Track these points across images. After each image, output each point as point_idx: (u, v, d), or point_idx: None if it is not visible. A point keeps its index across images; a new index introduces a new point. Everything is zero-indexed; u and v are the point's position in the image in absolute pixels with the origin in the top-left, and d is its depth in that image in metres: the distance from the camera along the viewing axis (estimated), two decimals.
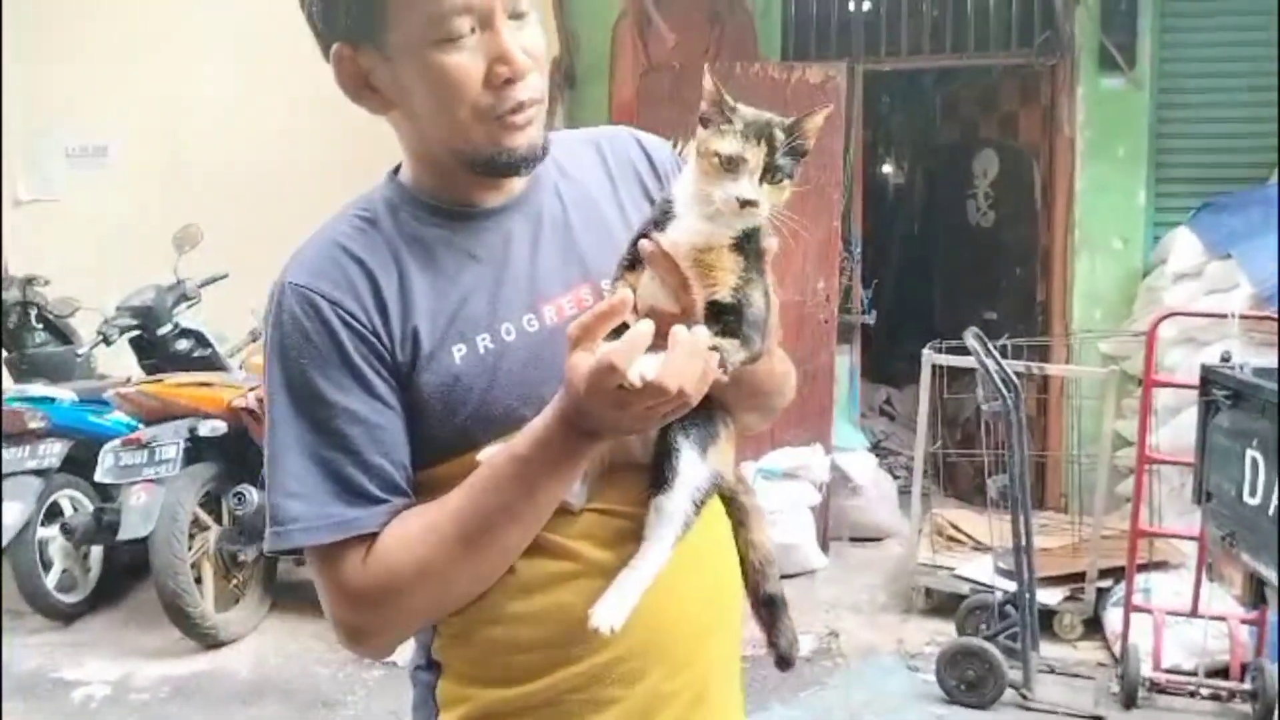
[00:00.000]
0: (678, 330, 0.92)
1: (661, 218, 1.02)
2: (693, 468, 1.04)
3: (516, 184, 1.11)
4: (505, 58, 1.00)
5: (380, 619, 1.04)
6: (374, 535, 1.02)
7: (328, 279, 1.03)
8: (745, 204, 0.97)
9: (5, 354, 5.02)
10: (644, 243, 1.00)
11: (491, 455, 1.00)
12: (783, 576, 4.31)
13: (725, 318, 0.98)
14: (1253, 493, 2.48)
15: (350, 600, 1.03)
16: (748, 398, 1.11)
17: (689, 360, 0.91)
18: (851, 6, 5.55)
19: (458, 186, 1.09)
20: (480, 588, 1.04)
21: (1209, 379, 2.78)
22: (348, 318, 1.02)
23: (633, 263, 1.02)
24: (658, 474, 1.04)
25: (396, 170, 1.14)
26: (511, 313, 1.07)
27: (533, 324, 1.07)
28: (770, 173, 0.98)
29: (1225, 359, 2.94)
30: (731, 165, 0.97)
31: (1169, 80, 5.16)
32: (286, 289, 1.04)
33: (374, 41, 1.02)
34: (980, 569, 4.08)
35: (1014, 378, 3.61)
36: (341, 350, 1.02)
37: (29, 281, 4.99)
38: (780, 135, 0.99)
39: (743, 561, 1.19)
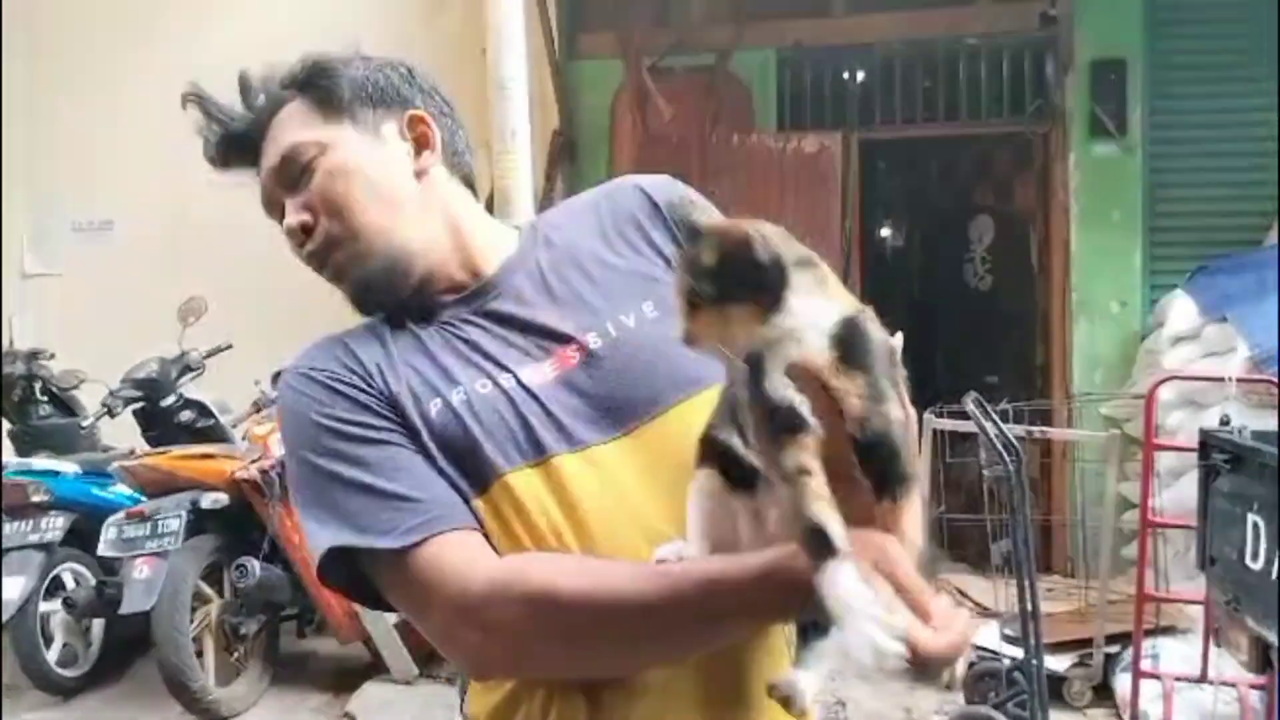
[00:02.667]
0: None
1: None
2: None
3: (487, 268, 1.17)
4: (286, 229, 1.14)
5: (516, 630, 0.97)
6: (475, 535, 1.02)
7: (319, 360, 1.12)
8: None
9: (9, 426, 5.04)
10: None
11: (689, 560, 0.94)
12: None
13: (878, 454, 0.83)
14: (1255, 557, 2.48)
15: (474, 597, 0.98)
16: None
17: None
18: (845, 76, 5.65)
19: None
20: (605, 672, 1.01)
21: (1208, 443, 2.79)
22: (336, 376, 1.10)
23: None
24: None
25: None
26: (485, 372, 1.10)
27: (508, 381, 1.09)
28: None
29: (1224, 422, 2.96)
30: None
31: (1161, 145, 5.24)
32: (283, 378, 1.14)
33: None
34: (987, 635, 4.04)
35: (1015, 442, 3.61)
36: (344, 397, 1.08)
37: (34, 355, 5.03)
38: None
39: None
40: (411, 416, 1.07)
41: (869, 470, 0.84)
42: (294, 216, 1.12)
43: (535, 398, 1.07)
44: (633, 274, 1.16)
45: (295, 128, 1.13)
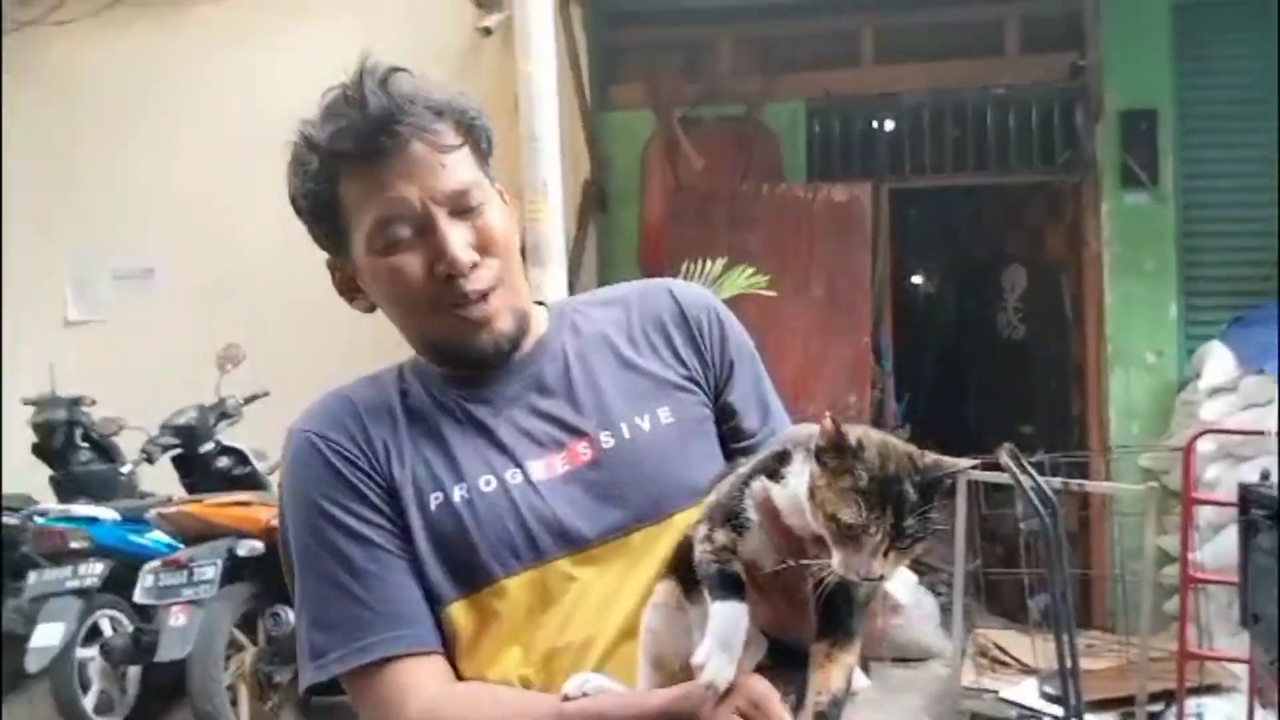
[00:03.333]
0: None
1: (776, 466, 0.93)
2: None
3: (491, 343, 1.13)
4: (445, 258, 1.07)
5: None
6: (423, 662, 1.06)
7: (325, 423, 1.13)
8: (868, 579, 0.85)
9: (51, 472, 5.10)
10: (757, 487, 0.92)
11: (594, 695, 0.98)
12: None
13: (837, 605, 0.89)
14: None
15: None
16: None
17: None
18: (875, 126, 5.69)
19: (440, 361, 1.17)
20: None
21: (1248, 498, 2.77)
22: (341, 449, 1.10)
23: (731, 511, 0.95)
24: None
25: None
26: (494, 467, 1.10)
27: (515, 477, 1.10)
28: (899, 538, 0.84)
29: (1264, 477, 2.93)
30: (853, 534, 0.84)
31: (1193, 194, 5.23)
32: (290, 437, 1.14)
33: (344, 254, 1.14)
34: (1026, 692, 3.98)
35: (1051, 495, 3.58)
36: (343, 478, 1.09)
37: (76, 401, 5.10)
38: (912, 492, 0.84)
39: None
40: (409, 509, 1.09)
41: (819, 611, 0.90)
42: (464, 250, 1.07)
43: (540, 495, 1.09)
44: (653, 377, 1.17)
45: (464, 164, 1.10)
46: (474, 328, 1.10)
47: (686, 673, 0.92)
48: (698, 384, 1.19)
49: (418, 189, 1.07)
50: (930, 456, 0.87)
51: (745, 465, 0.97)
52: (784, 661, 0.93)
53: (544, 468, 1.10)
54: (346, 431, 1.11)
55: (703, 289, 1.29)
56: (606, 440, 1.12)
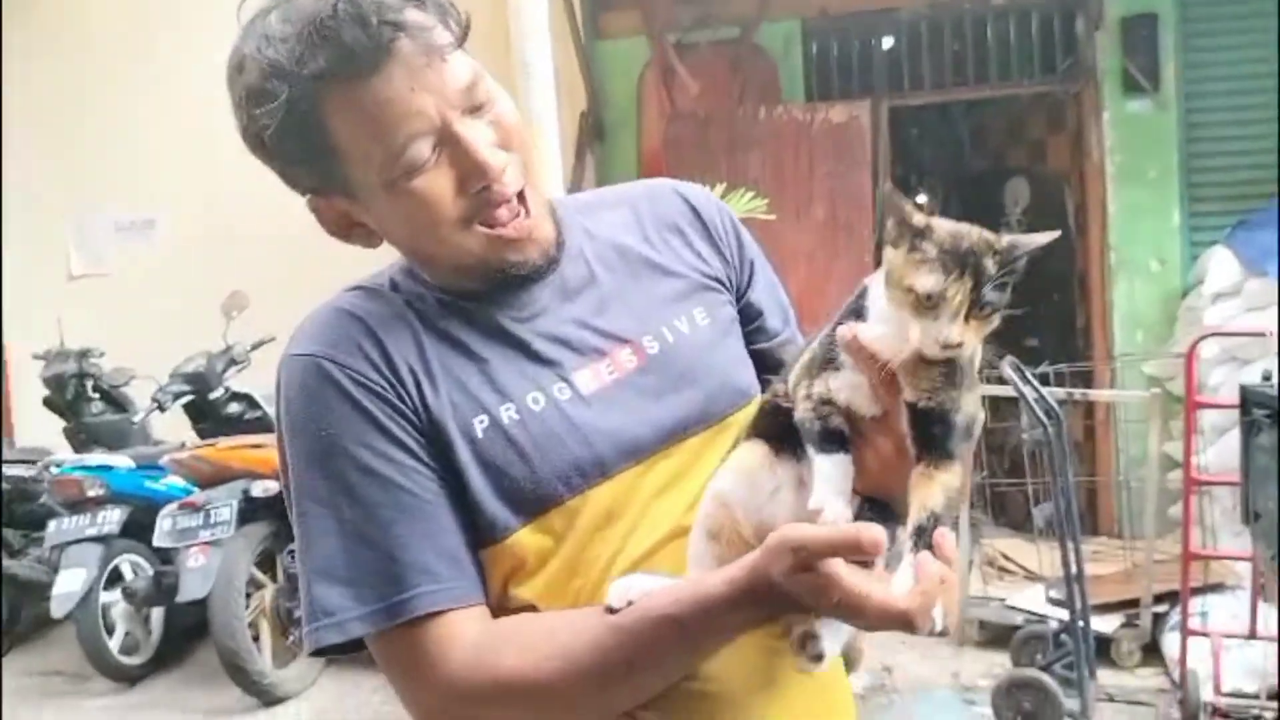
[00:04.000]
0: (938, 570, 0.82)
1: (858, 305, 0.90)
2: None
3: (535, 256, 1.03)
4: (477, 169, 0.95)
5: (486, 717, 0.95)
6: (461, 615, 0.94)
7: (334, 345, 0.97)
8: (948, 347, 0.83)
9: (64, 424, 5.17)
10: (843, 330, 0.89)
11: (643, 598, 0.91)
12: None
13: (932, 428, 0.86)
14: None
15: (451, 690, 0.93)
16: None
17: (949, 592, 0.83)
18: (872, 44, 5.61)
19: (467, 283, 1.03)
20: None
21: (1249, 399, 2.78)
22: (362, 378, 0.95)
23: (826, 359, 0.91)
24: None
25: (403, 267, 1.08)
26: (539, 382, 1.00)
27: (564, 392, 1.00)
28: (977, 307, 0.83)
29: (1266, 378, 2.94)
30: (931, 303, 0.82)
31: (1195, 100, 5.16)
32: (289, 362, 0.98)
33: (341, 191, 0.98)
34: (1033, 599, 4.05)
35: (1055, 405, 3.60)
36: (365, 413, 0.95)
37: (84, 354, 5.15)
38: (990, 265, 0.83)
39: None
40: (454, 441, 0.96)
41: (916, 438, 0.87)
42: (493, 153, 0.95)
43: (594, 408, 1.00)
44: (680, 278, 1.11)
45: (461, 56, 0.96)
46: (516, 247, 0.99)
47: (760, 541, 0.86)
48: (721, 283, 1.14)
49: (430, 98, 0.92)
50: (1008, 238, 0.85)
51: (831, 320, 0.93)
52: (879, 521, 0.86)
53: (591, 377, 1.02)
54: (364, 355, 0.96)
55: (706, 190, 1.20)
56: (651, 345, 1.05)
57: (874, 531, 0.80)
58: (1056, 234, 0.89)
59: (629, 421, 1.01)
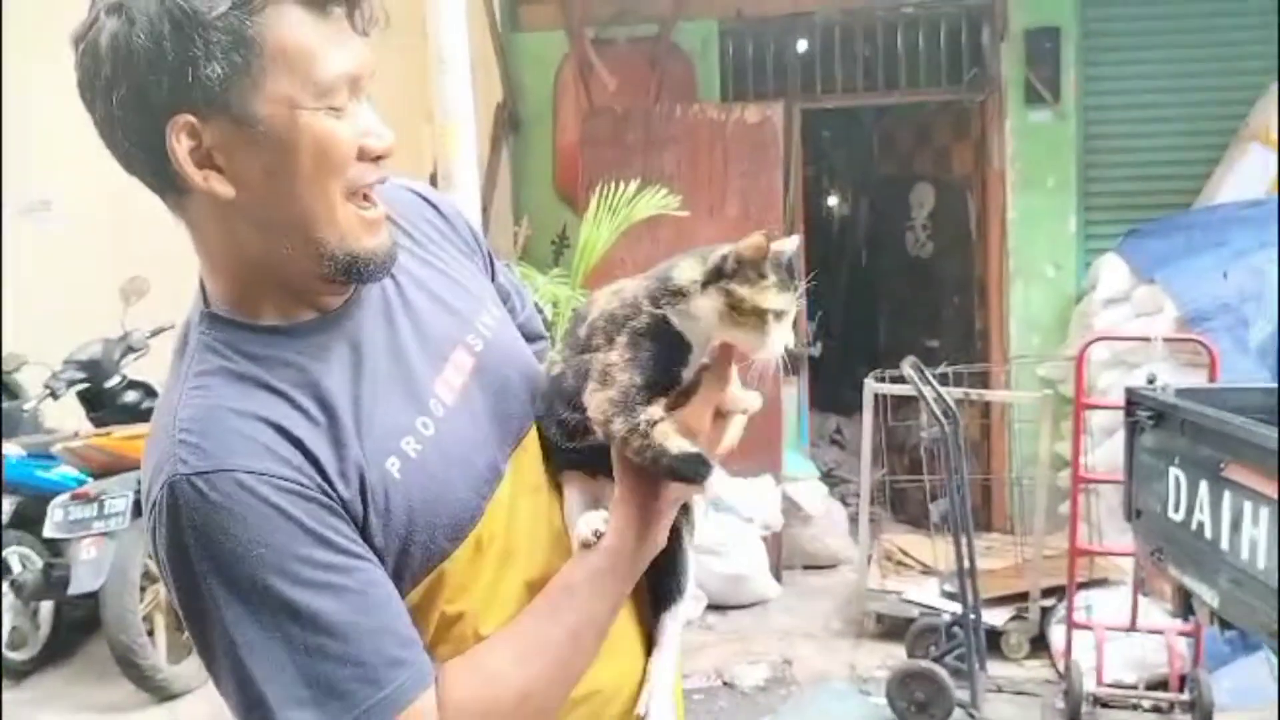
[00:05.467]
0: (747, 398, 1.03)
1: (673, 348, 1.00)
2: (692, 566, 1.16)
3: (384, 252, 0.99)
4: (378, 131, 0.94)
5: None
6: (430, 690, 0.92)
7: (238, 451, 0.87)
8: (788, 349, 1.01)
9: None
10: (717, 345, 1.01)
11: (559, 574, 1.02)
12: (737, 606, 4.42)
13: None
14: (1176, 508, 2.59)
15: None
16: None
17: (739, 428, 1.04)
18: (787, 46, 5.70)
19: (298, 297, 0.97)
20: (563, 700, 1.01)
21: (1134, 401, 2.90)
22: (281, 483, 0.87)
23: (655, 389, 1.01)
24: (666, 586, 1.14)
25: (205, 313, 0.97)
26: (415, 406, 0.98)
27: (438, 407, 1.00)
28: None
29: (1150, 381, 3.07)
30: (780, 319, 0.98)
31: (1094, 111, 5.36)
32: (188, 484, 0.86)
33: (234, 111, 0.87)
34: (928, 592, 4.17)
35: (952, 405, 3.71)
36: (295, 521, 0.87)
37: None
38: (790, 279, 1.00)
39: None
40: (373, 497, 0.92)
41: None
42: (380, 134, 0.94)
43: (465, 414, 1.02)
44: (458, 274, 1.12)
45: (359, 39, 0.94)
46: (372, 229, 0.95)
47: None
48: (482, 275, 1.18)
49: (354, 57, 0.91)
50: (773, 247, 0.99)
51: (614, 350, 1.01)
52: None
53: (447, 387, 1.01)
54: (273, 454, 0.88)
55: (435, 191, 1.21)
56: (475, 343, 1.07)
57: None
58: (796, 239, 1.05)
59: (490, 421, 1.04)
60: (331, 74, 0.89)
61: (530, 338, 1.21)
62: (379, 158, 0.94)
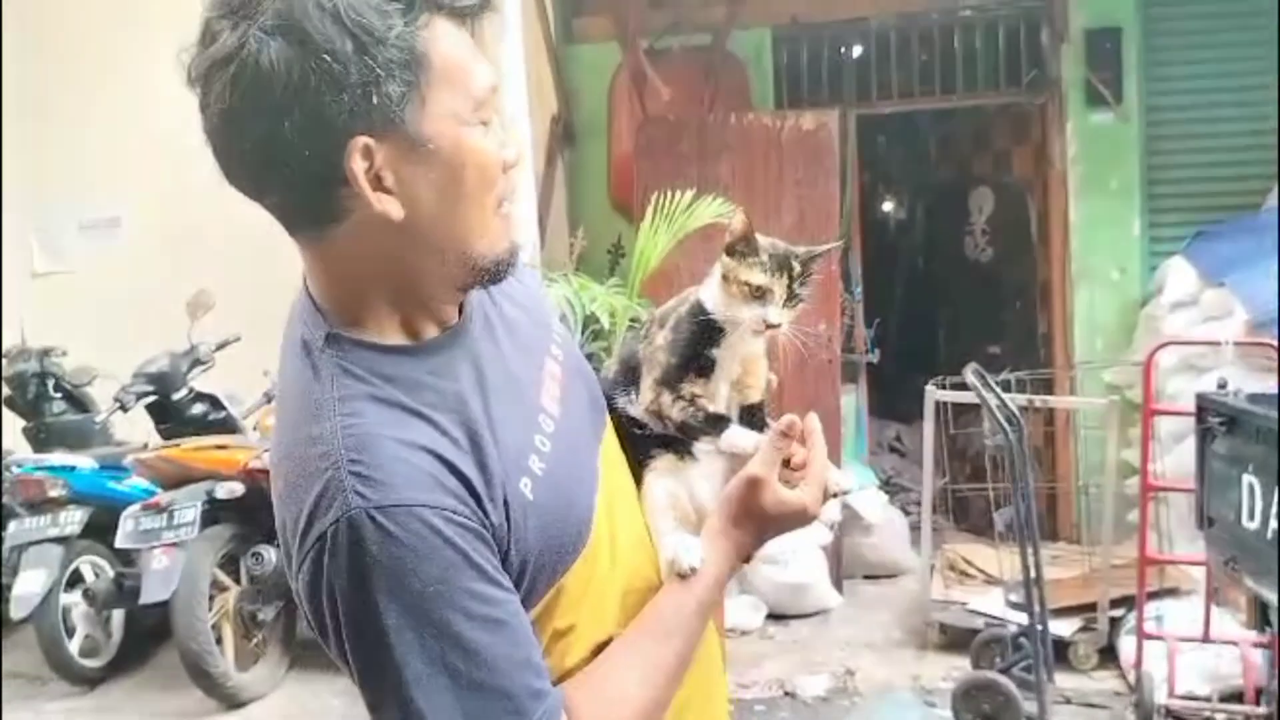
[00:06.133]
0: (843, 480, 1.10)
1: (702, 327, 1.11)
2: None
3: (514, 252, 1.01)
4: (513, 144, 0.96)
5: None
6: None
7: (415, 485, 0.87)
8: (770, 326, 1.10)
9: (24, 424, 5.11)
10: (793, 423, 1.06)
11: (659, 598, 1.03)
12: (797, 616, 4.38)
13: (755, 416, 1.13)
14: (1251, 517, 2.53)
15: None
16: None
17: None
18: (841, 52, 5.66)
19: (426, 313, 0.97)
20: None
21: (1205, 406, 2.84)
22: (455, 518, 0.87)
23: (690, 368, 1.11)
24: None
25: (331, 335, 0.94)
26: (531, 423, 0.99)
27: (547, 423, 1.01)
28: (790, 299, 1.11)
29: (1221, 386, 3.00)
30: (760, 294, 1.09)
31: (1157, 112, 5.26)
32: (368, 518, 0.85)
33: (408, 130, 0.87)
34: (993, 603, 4.10)
35: (1016, 412, 3.65)
36: (466, 557, 0.87)
37: (46, 353, 5.09)
38: (797, 267, 1.11)
39: None
40: (515, 520, 0.92)
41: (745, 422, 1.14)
42: (512, 144, 0.97)
43: (566, 424, 1.03)
44: (528, 281, 1.15)
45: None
46: (508, 230, 0.97)
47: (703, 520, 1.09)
48: None
49: (489, 68, 0.93)
50: (803, 248, 1.13)
51: (659, 336, 1.14)
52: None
53: (549, 398, 1.03)
54: (447, 489, 0.88)
55: None
56: (557, 353, 1.08)
57: (787, 418, 1.03)
58: (839, 244, 1.17)
59: (585, 431, 1.06)
60: (483, 86, 0.91)
61: None
62: (506, 170, 0.96)
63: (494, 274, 0.96)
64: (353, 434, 0.88)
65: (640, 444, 1.13)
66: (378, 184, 0.88)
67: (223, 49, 0.84)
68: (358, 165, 0.86)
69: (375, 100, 0.85)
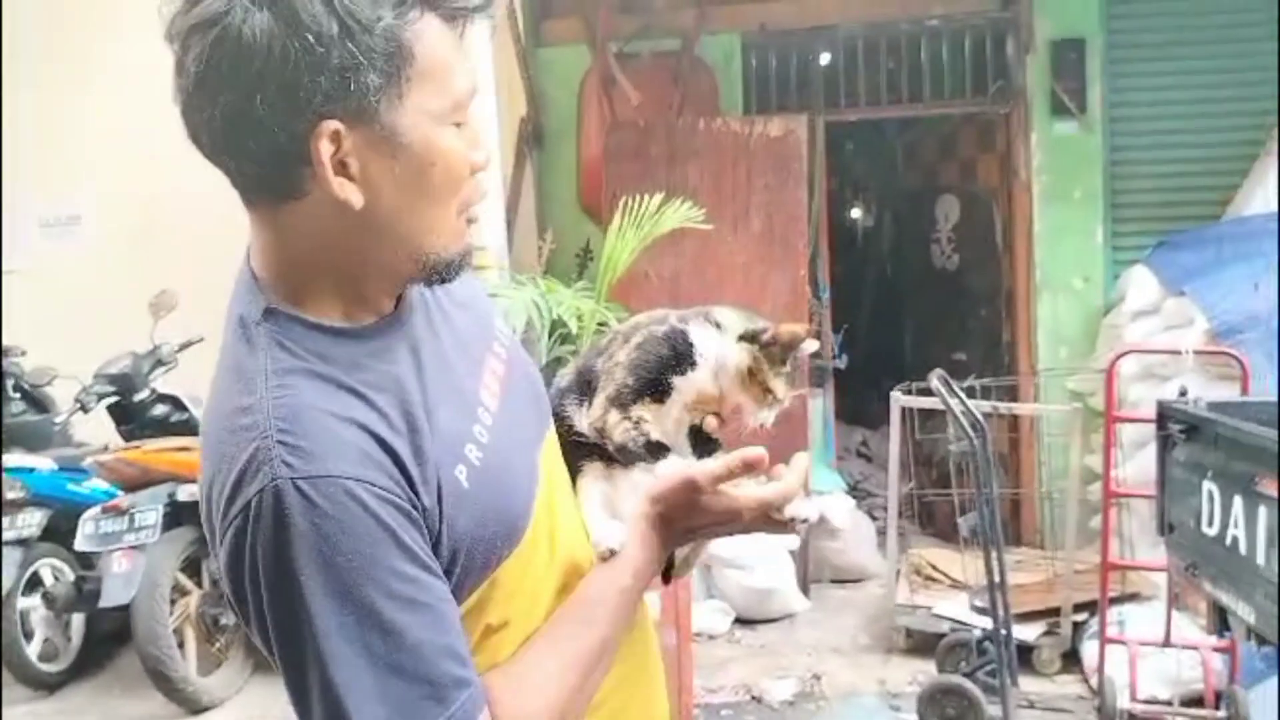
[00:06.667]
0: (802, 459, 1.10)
1: (680, 359, 1.11)
2: None
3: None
4: (483, 147, 0.95)
5: None
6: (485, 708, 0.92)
7: (344, 457, 0.85)
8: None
9: None
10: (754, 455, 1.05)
11: (583, 586, 1.03)
12: (764, 621, 4.39)
13: (703, 435, 1.13)
14: (1210, 523, 2.56)
15: None
16: None
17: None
18: (810, 59, 5.69)
19: (365, 301, 0.96)
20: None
21: (1165, 414, 2.87)
22: (383, 493, 0.86)
23: (646, 391, 1.10)
24: None
25: (269, 309, 0.93)
26: (470, 414, 0.98)
27: (485, 415, 1.00)
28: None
29: (1182, 394, 3.04)
30: (772, 402, 1.12)
31: (1121, 123, 5.33)
32: (295, 488, 0.83)
33: (381, 121, 0.87)
34: (958, 607, 4.13)
35: (981, 418, 3.68)
36: (391, 534, 0.85)
37: (5, 352, 5.01)
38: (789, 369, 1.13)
39: None
40: (447, 506, 0.91)
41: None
42: (483, 148, 0.95)
43: (504, 417, 1.02)
44: (470, 282, 1.14)
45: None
46: (466, 233, 0.97)
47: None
48: None
49: (472, 70, 0.93)
50: (806, 346, 1.12)
51: (620, 352, 1.13)
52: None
53: (488, 392, 1.02)
54: (377, 464, 0.87)
55: None
56: (499, 350, 1.08)
57: (754, 451, 1.01)
58: (815, 344, 1.15)
59: (525, 424, 1.06)
60: (463, 89, 0.91)
61: None
62: (475, 172, 0.96)
63: (444, 274, 0.96)
64: (283, 405, 0.87)
65: (577, 450, 1.13)
66: (342, 169, 0.87)
67: (207, 10, 0.83)
68: (324, 149, 0.85)
69: (352, 87, 0.84)
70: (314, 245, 0.92)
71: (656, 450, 1.09)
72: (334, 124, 0.85)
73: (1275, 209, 4.70)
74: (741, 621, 4.60)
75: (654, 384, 1.10)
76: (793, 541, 4.67)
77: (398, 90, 0.86)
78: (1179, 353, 3.91)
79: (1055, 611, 4.05)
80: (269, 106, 0.83)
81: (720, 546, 4.09)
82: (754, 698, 3.95)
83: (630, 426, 1.09)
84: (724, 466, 1.02)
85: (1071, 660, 4.00)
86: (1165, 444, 2.90)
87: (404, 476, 0.88)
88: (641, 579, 1.04)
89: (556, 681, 0.96)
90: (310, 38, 0.82)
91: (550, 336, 3.67)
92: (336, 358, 0.91)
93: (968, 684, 3.48)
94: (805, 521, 1.06)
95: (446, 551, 0.91)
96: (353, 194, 0.88)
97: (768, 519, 1.06)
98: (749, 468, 1.02)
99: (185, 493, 4.12)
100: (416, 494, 0.89)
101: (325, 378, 0.90)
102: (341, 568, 0.83)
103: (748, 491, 1.05)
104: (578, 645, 0.99)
